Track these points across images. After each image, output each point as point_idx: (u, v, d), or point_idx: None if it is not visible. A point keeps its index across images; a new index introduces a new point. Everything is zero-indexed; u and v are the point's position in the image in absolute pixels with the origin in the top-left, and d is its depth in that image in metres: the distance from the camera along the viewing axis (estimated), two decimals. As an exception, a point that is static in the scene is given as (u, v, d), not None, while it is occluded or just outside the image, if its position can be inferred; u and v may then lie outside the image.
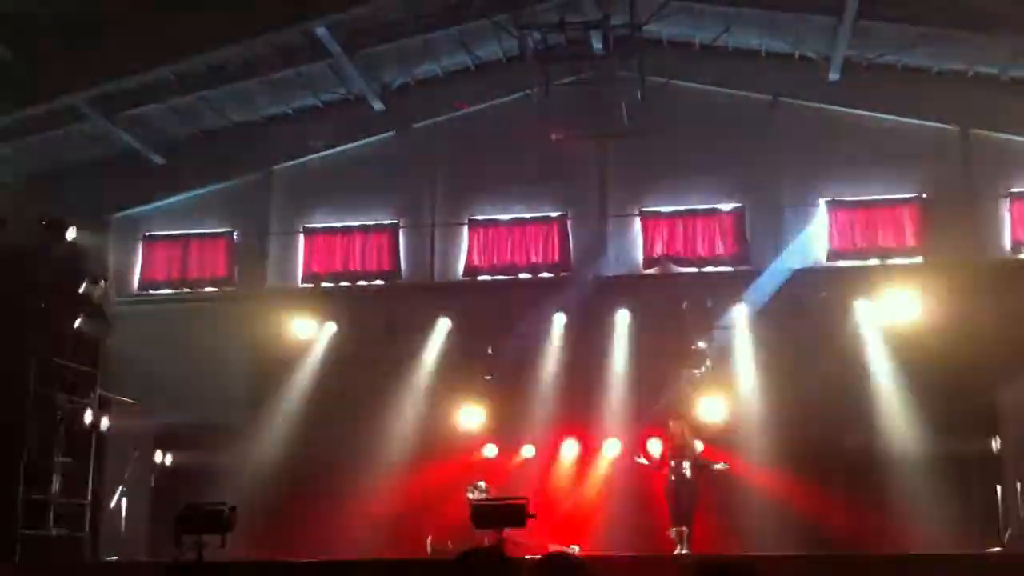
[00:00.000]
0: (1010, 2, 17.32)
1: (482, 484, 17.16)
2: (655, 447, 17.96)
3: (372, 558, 15.86)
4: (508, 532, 13.64)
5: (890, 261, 19.67)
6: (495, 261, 20.76)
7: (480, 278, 20.75)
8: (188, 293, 21.46)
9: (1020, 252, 17.62)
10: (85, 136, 20.66)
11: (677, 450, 16.93)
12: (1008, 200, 19.50)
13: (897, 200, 19.99)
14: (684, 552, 15.95)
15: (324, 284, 21.14)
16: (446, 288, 20.65)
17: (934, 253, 19.44)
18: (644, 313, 19.13)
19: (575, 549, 16.07)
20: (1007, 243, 19.40)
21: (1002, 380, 16.52)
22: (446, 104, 21.15)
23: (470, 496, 16.80)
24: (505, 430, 18.87)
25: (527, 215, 20.89)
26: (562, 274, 20.49)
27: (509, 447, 18.99)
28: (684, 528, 16.36)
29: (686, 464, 16.72)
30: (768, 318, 18.64)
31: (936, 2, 18.11)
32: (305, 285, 21.18)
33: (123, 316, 18.69)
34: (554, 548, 15.22)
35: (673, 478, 16.76)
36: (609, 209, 20.69)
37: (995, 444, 17.08)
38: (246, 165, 21.65)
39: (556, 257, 20.61)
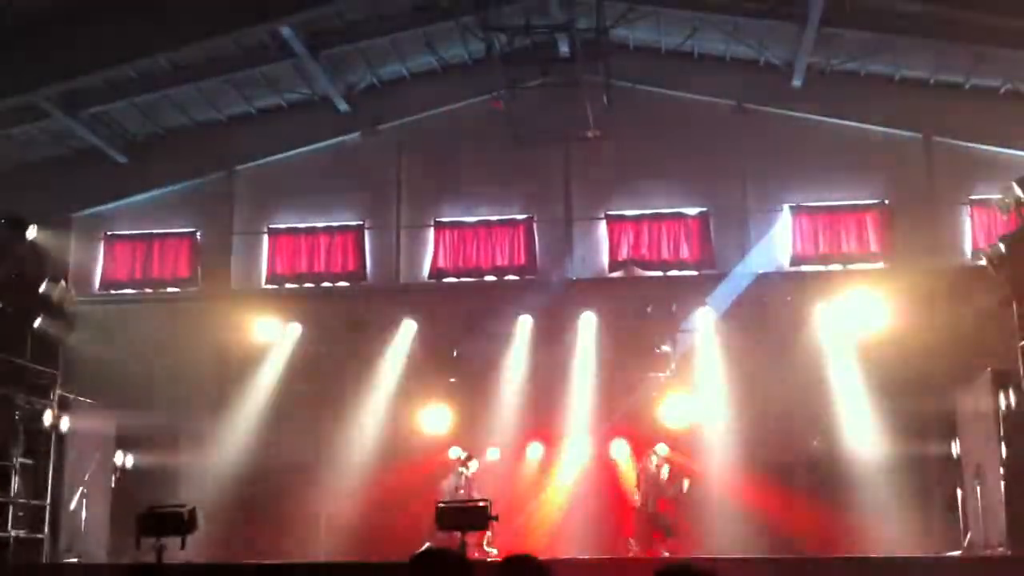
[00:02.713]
0: (972, 11, 17.51)
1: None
2: (619, 448, 18.06)
3: (335, 560, 15.82)
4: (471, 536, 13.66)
5: (853, 266, 19.85)
6: (461, 263, 20.74)
7: (446, 280, 20.72)
8: (150, 293, 21.29)
9: (980, 258, 17.75)
10: (47, 134, 20.48)
11: (651, 480, 17.06)
12: (969, 207, 19.72)
13: (860, 206, 20.17)
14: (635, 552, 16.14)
15: (288, 285, 21.04)
16: (411, 290, 20.60)
17: (896, 259, 19.61)
18: (609, 316, 19.19)
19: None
20: (968, 249, 19.61)
21: (962, 384, 16.66)
22: (412, 105, 21.12)
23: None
24: (470, 432, 18.83)
25: (493, 217, 20.88)
26: (528, 277, 20.51)
27: (474, 449, 18.94)
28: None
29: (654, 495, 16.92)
30: (732, 322, 18.76)
31: (899, 10, 18.27)
32: (269, 286, 21.05)
33: (84, 316, 18.49)
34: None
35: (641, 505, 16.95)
36: (575, 212, 20.73)
37: (955, 448, 17.23)
38: (209, 164, 21.48)
39: (522, 259, 20.62)
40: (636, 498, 17.34)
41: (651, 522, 16.79)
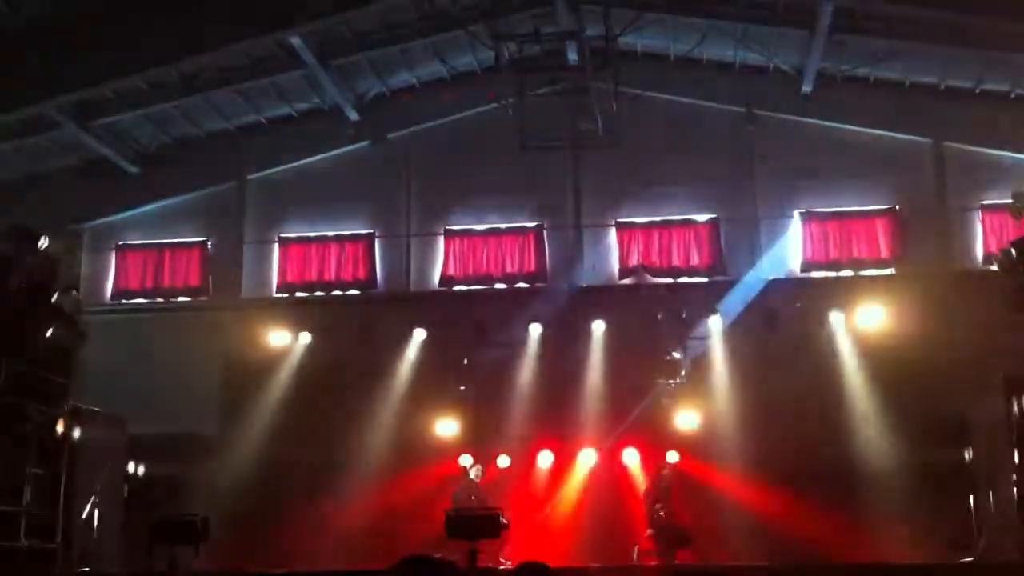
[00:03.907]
0: (981, 17, 17.47)
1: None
2: (630, 456, 18.01)
3: (347, 569, 15.81)
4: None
5: (863, 272, 19.80)
6: (471, 271, 20.76)
7: (456, 288, 20.73)
8: (161, 303, 21.34)
9: (992, 264, 17.76)
10: (58, 145, 20.56)
11: (660, 491, 17.04)
12: (980, 212, 19.67)
13: (870, 212, 20.13)
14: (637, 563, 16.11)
15: (299, 294, 21.07)
16: (421, 298, 20.63)
17: (907, 264, 19.58)
18: (619, 323, 19.15)
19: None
20: (979, 255, 19.56)
21: (974, 390, 16.60)
22: (421, 114, 21.16)
23: None
24: (480, 440, 18.81)
25: (503, 225, 20.90)
26: (538, 284, 20.51)
27: (484, 457, 18.92)
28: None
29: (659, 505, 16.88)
30: (742, 329, 18.71)
31: (908, 16, 18.25)
32: (279, 295, 21.09)
33: (96, 326, 18.52)
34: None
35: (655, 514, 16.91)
36: (584, 219, 20.74)
37: (967, 454, 17.17)
38: (220, 174, 21.56)
39: (532, 267, 20.63)
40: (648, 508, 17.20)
41: (665, 532, 16.68)
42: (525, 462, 18.96)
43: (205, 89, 20.05)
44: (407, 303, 20.50)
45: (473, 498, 17.03)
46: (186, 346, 19.49)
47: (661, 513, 16.71)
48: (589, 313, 19.30)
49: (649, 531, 16.97)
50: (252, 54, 19.39)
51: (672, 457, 17.67)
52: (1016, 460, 14.77)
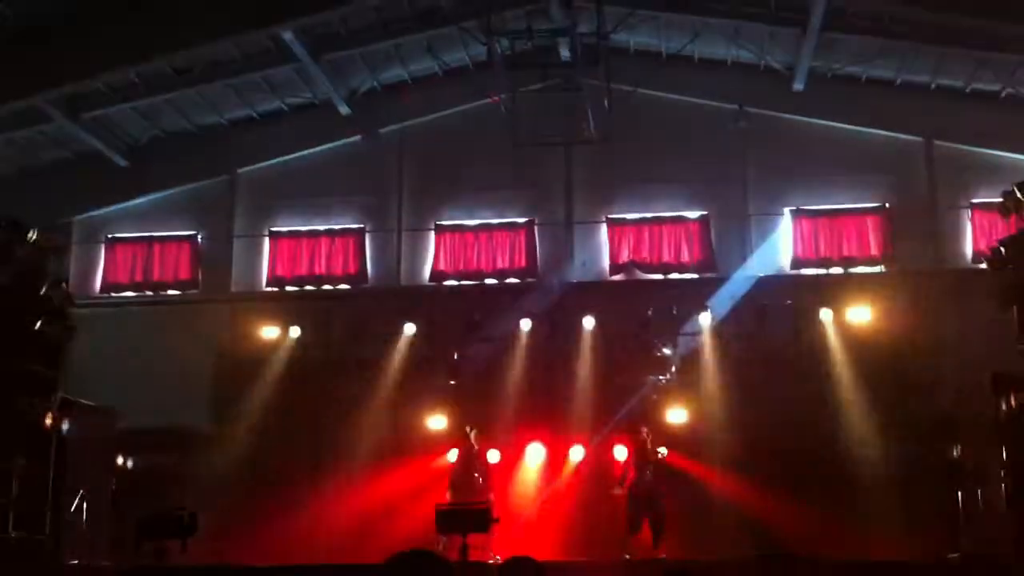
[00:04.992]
0: (972, 17, 17.53)
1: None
2: (620, 453, 18.02)
3: (336, 563, 15.81)
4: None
5: (853, 270, 19.87)
6: (462, 266, 20.77)
7: (447, 283, 20.74)
8: (151, 296, 21.33)
9: (981, 262, 17.83)
10: (48, 137, 20.52)
11: (641, 457, 16.96)
12: (970, 210, 19.73)
13: (861, 209, 20.19)
14: (627, 556, 16.06)
15: (289, 288, 21.05)
16: (412, 293, 20.63)
17: (897, 262, 19.65)
18: (610, 319, 19.19)
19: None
20: (968, 253, 19.63)
21: (962, 388, 16.66)
22: (413, 108, 21.14)
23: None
24: (469, 435, 18.79)
25: (494, 220, 20.92)
26: (528, 280, 20.53)
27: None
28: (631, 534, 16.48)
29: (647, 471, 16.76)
30: (733, 325, 18.77)
31: (899, 15, 18.30)
32: (270, 288, 21.07)
33: (85, 318, 18.48)
34: None
35: (635, 486, 16.79)
36: (576, 215, 20.76)
37: (955, 451, 17.22)
38: (210, 168, 21.54)
39: (523, 263, 20.64)
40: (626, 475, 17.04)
41: (647, 498, 16.56)
42: (515, 456, 18.98)
43: (196, 83, 20.01)
44: (398, 298, 20.50)
45: (476, 475, 16.99)
46: (176, 340, 19.47)
47: (648, 473, 16.62)
48: (580, 309, 19.32)
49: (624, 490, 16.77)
50: (244, 48, 19.37)
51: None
52: (1004, 457, 14.84)
